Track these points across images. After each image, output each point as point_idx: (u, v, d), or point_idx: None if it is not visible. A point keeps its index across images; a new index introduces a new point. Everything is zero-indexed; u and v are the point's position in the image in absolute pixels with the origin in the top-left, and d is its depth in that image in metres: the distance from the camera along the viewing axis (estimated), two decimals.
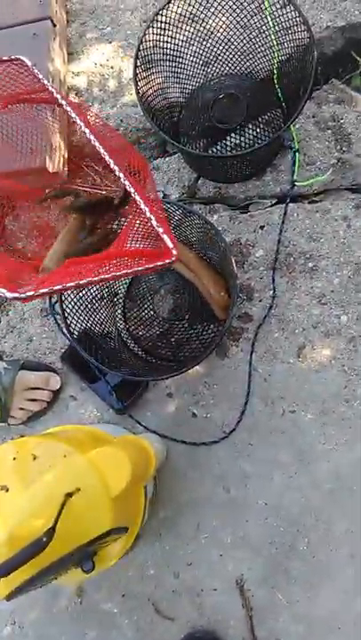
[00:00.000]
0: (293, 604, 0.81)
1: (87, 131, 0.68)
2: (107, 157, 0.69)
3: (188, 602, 0.84)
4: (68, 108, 0.71)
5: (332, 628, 0.80)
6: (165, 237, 0.60)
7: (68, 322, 0.77)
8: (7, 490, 0.61)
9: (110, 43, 1.03)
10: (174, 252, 0.58)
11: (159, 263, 0.57)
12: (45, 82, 0.73)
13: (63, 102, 0.72)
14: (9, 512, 0.59)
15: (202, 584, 0.84)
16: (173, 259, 0.58)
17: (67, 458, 0.62)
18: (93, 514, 0.61)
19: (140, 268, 0.57)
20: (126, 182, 0.66)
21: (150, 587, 0.85)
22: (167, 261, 0.58)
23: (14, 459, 0.63)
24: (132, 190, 0.65)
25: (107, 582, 0.86)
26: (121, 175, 0.67)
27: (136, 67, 0.78)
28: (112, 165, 0.68)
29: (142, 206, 0.64)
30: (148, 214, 0.63)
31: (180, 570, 0.85)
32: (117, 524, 0.63)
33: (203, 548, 0.85)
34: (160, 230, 0.60)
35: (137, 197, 0.64)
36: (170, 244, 0.59)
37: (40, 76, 0.74)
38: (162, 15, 0.83)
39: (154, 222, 0.61)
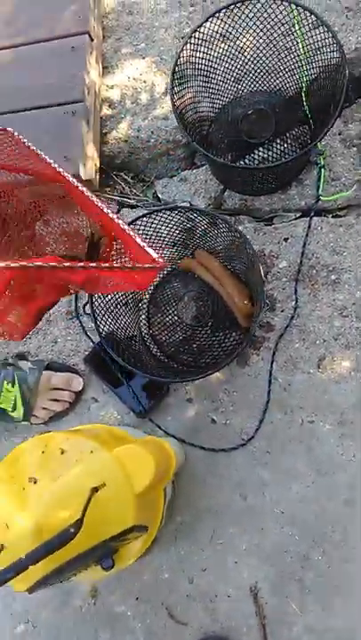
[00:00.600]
0: (307, 615, 0.81)
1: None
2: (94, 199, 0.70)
3: (202, 607, 0.84)
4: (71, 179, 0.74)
5: None
6: (149, 249, 0.59)
7: (98, 322, 0.79)
8: (35, 482, 0.62)
9: (144, 58, 1.07)
10: (160, 260, 0.57)
11: (146, 265, 0.57)
12: (39, 152, 0.77)
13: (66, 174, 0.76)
14: (37, 503, 0.61)
15: (216, 590, 0.84)
16: (159, 264, 0.57)
17: (93, 453, 0.64)
18: (118, 509, 0.62)
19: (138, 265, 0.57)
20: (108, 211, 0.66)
21: (164, 591, 0.86)
22: (156, 265, 0.57)
23: (43, 452, 0.65)
24: (110, 214, 0.66)
25: (121, 585, 0.87)
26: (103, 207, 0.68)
27: (173, 80, 0.81)
28: (94, 200, 0.70)
29: (122, 226, 0.64)
30: (129, 232, 0.63)
31: (195, 575, 0.85)
32: (140, 521, 0.64)
33: (218, 555, 0.85)
34: (143, 244, 0.60)
35: (116, 220, 0.65)
36: (154, 254, 0.58)
37: (29, 145, 0.79)
38: (199, 32, 0.86)
39: (139, 240, 0.61)
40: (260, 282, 0.74)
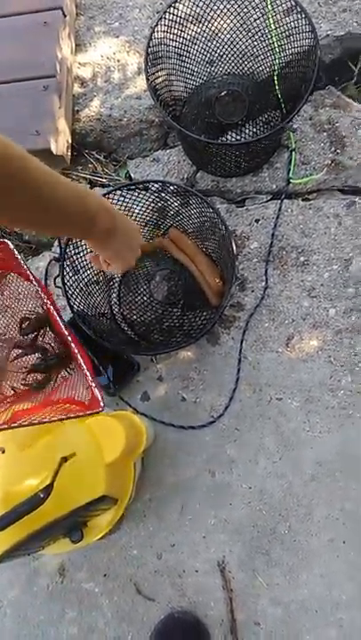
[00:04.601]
0: (273, 588, 0.83)
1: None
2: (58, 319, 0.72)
3: (170, 583, 0.84)
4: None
5: (309, 611, 0.81)
6: (96, 391, 0.63)
7: (69, 296, 0.78)
8: (3, 451, 0.61)
9: (117, 37, 1.06)
10: (102, 404, 0.62)
11: (88, 412, 0.61)
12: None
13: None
14: (4, 473, 0.60)
15: (184, 565, 0.85)
16: (100, 409, 0.61)
17: (64, 423, 0.63)
18: (88, 479, 0.62)
19: (71, 415, 0.61)
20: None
21: (133, 567, 0.86)
22: (95, 411, 0.61)
23: None
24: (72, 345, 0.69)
25: (89, 562, 0.87)
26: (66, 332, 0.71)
27: (148, 55, 0.81)
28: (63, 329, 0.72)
29: (80, 361, 0.68)
30: (84, 370, 0.67)
31: (163, 551, 0.86)
32: (110, 492, 0.64)
33: (186, 530, 0.86)
34: (93, 385, 0.65)
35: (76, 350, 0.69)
36: (99, 397, 0.63)
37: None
38: (169, 13, 0.86)
39: (89, 377, 0.65)
40: (231, 256, 0.74)
